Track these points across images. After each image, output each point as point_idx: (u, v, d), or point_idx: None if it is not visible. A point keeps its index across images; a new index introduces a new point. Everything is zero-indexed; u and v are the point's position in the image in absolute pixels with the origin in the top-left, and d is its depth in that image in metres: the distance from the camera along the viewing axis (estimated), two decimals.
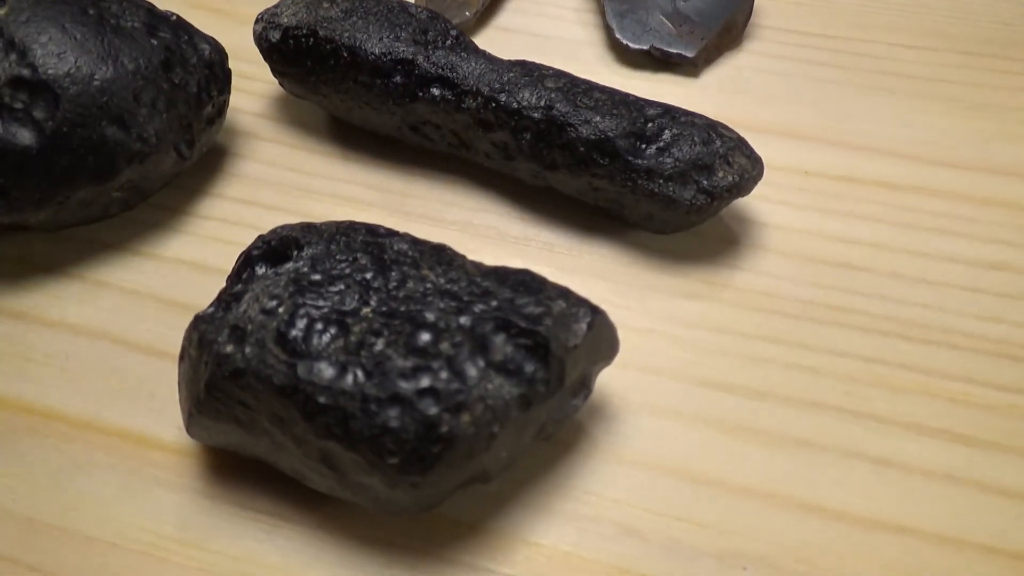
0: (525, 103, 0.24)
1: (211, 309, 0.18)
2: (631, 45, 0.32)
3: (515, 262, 0.25)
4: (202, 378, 0.17)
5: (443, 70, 0.25)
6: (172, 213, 0.26)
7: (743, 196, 0.23)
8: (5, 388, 0.21)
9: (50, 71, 0.21)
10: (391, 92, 0.25)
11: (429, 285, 0.18)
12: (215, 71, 0.25)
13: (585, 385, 0.19)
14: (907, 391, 0.21)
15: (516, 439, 0.17)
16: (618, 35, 0.32)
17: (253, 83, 0.31)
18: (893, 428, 0.20)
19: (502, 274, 0.19)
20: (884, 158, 0.28)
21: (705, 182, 0.22)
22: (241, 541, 0.18)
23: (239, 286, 0.19)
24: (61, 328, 0.22)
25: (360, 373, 0.16)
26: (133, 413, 0.21)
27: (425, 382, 0.16)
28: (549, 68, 0.25)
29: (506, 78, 0.24)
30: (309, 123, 0.29)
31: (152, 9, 0.24)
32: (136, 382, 0.21)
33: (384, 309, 0.17)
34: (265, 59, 0.27)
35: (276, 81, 0.31)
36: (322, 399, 0.16)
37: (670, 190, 0.23)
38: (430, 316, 0.17)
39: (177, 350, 0.22)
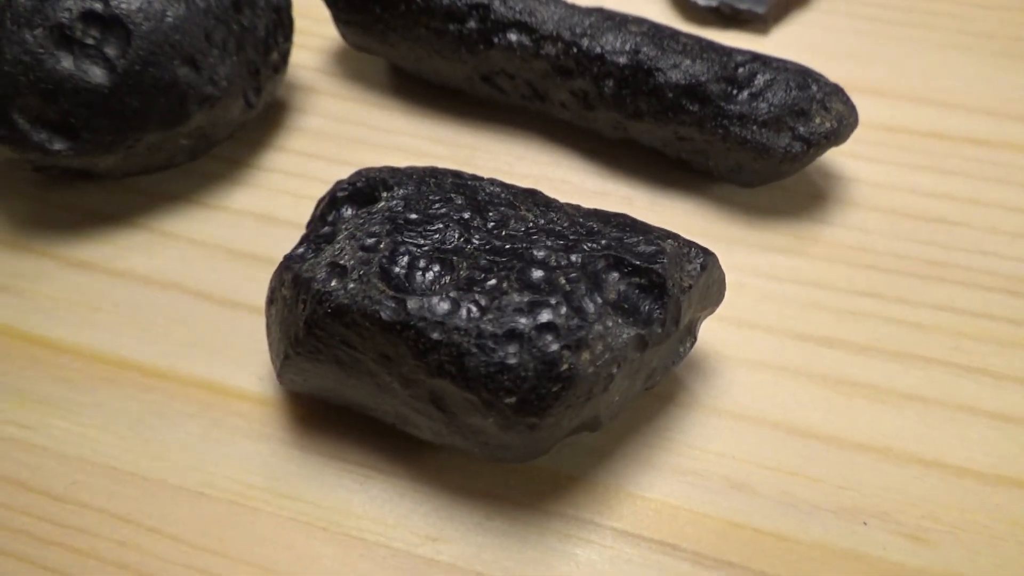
0: (609, 48, 0.23)
1: (300, 250, 0.17)
2: (698, 1, 0.30)
3: None
4: (300, 317, 0.16)
5: (520, 15, 0.24)
6: (235, 165, 0.25)
7: (839, 145, 0.22)
8: (77, 335, 0.20)
9: (123, 5, 0.20)
10: (464, 39, 0.24)
11: (530, 225, 0.17)
12: (282, 16, 0.24)
13: (691, 332, 0.18)
14: (1019, 346, 0.20)
15: (629, 384, 0.16)
16: None
17: (311, 38, 0.30)
18: (1008, 383, 0.19)
19: (604, 215, 0.18)
20: (970, 114, 0.27)
21: (801, 128, 0.21)
22: (334, 491, 0.17)
23: (327, 228, 0.18)
24: (129, 278, 0.21)
25: (474, 308, 0.15)
26: (210, 363, 0.20)
27: (544, 317, 0.15)
28: (627, 14, 0.24)
29: (588, 22, 0.23)
30: (371, 78, 0.28)
31: None
32: (210, 332, 0.20)
33: (488, 247, 0.16)
34: (329, 7, 0.26)
35: (335, 37, 0.30)
36: (435, 335, 0.15)
37: (764, 137, 0.22)
38: (539, 253, 0.16)
39: (251, 301, 0.21)
